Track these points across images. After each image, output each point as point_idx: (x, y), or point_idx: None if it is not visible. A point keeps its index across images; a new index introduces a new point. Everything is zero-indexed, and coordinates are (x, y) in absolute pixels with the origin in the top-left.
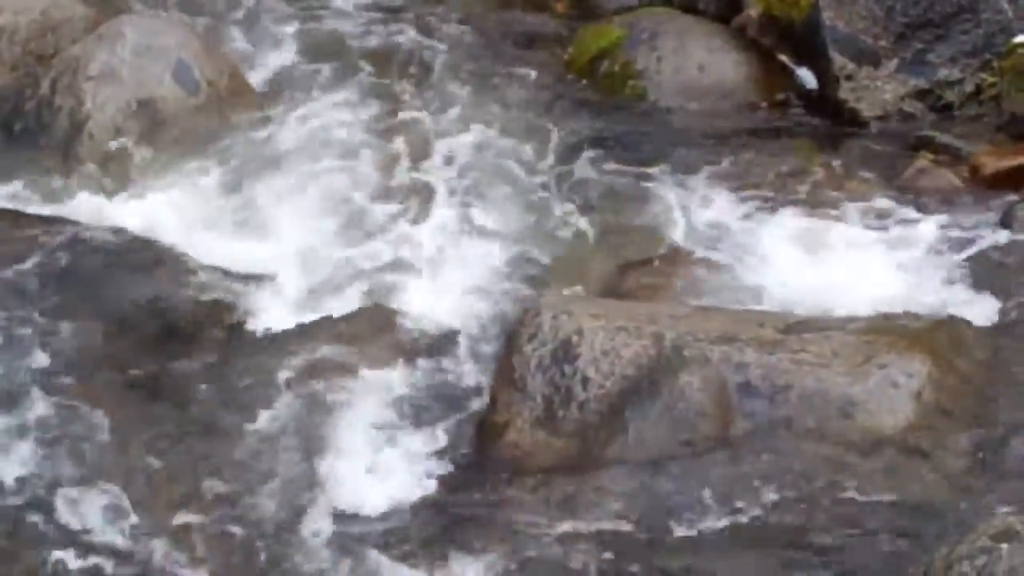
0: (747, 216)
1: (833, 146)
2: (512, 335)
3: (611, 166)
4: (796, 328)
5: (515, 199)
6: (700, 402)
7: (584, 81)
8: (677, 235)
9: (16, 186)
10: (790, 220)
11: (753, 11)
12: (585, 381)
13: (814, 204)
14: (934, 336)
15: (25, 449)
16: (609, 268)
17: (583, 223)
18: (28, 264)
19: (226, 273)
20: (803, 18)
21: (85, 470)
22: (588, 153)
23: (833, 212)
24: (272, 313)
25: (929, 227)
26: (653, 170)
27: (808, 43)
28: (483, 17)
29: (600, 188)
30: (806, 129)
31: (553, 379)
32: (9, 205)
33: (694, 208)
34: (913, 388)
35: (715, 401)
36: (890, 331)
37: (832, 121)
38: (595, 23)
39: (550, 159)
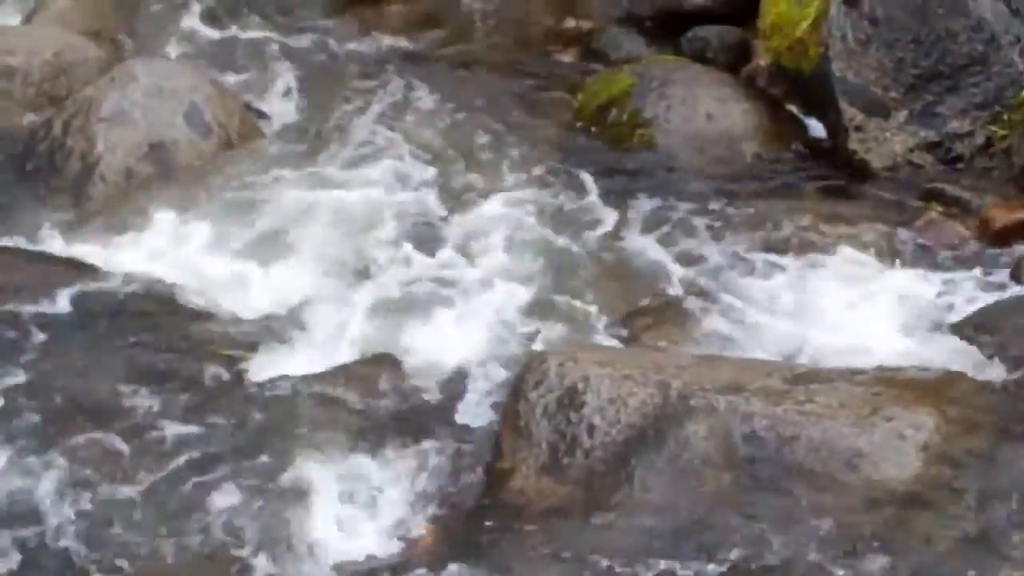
0: (755, 266)
1: (842, 197)
2: (518, 382)
3: (618, 214)
4: (803, 379)
5: (522, 246)
6: (706, 451)
7: (593, 129)
8: (685, 284)
9: (27, 226)
10: (797, 270)
11: (762, 61)
12: (591, 429)
13: (822, 255)
14: (941, 389)
15: (30, 501)
16: (616, 316)
17: (590, 270)
18: (36, 305)
19: (235, 318)
20: (813, 68)
21: (95, 520)
22: (595, 201)
23: (841, 263)
24: (281, 359)
25: (938, 279)
26: (661, 218)
27: (817, 93)
28: (492, 64)
29: (607, 235)
30: (815, 179)
31: (559, 426)
32: (19, 245)
33: (702, 257)
34: (920, 441)
35: (721, 451)
36: (897, 383)
37: (841, 172)
38: (604, 71)
39: (557, 207)
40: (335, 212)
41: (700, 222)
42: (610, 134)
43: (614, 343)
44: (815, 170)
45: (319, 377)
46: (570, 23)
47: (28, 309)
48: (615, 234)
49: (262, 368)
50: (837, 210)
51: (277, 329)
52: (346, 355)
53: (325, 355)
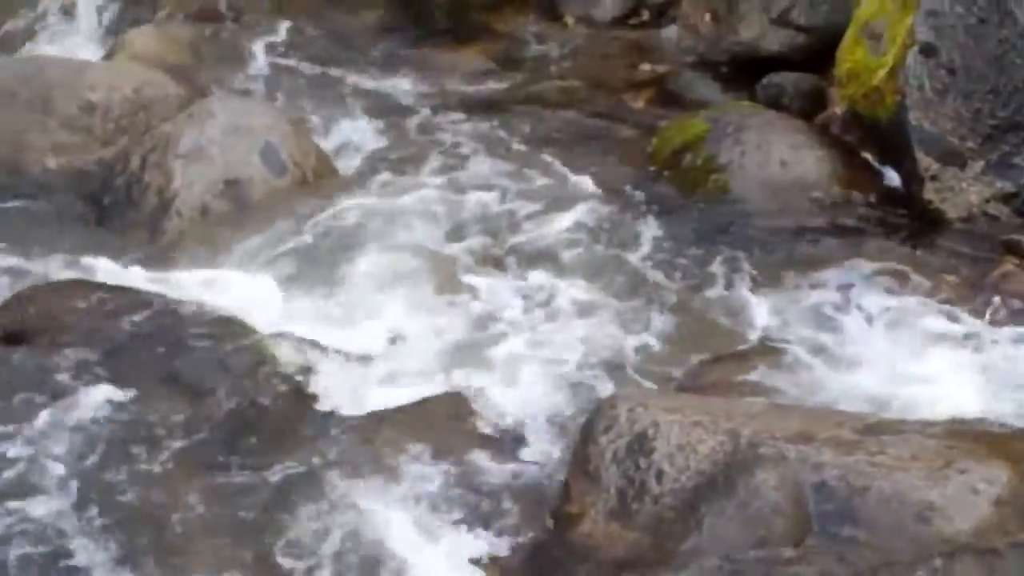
0: (826, 314)
1: (916, 247)
2: (588, 426)
3: (691, 260)
4: (874, 430)
5: (596, 290)
6: (775, 501)
7: (666, 173)
8: (756, 331)
9: (104, 260)
10: (870, 319)
11: (837, 108)
12: (660, 475)
13: (895, 304)
14: (1014, 443)
15: (97, 527)
16: (686, 362)
17: (662, 316)
18: (110, 337)
19: (305, 355)
20: (889, 117)
21: (159, 550)
22: (668, 245)
23: (914, 313)
24: (349, 396)
25: (1012, 332)
26: (734, 264)
27: (893, 142)
28: (566, 107)
29: (680, 281)
30: (889, 228)
31: (628, 472)
32: (96, 278)
33: (774, 304)
34: (993, 495)
35: (791, 500)
36: (970, 436)
37: (915, 221)
38: (679, 116)
39: (630, 251)
40: (407, 250)
41: (773, 269)
42: (684, 179)
43: (684, 389)
44: (889, 219)
45: (386, 413)
46: (644, 67)
47: (102, 341)
48: (687, 280)
49: (331, 403)
50: (911, 260)
51: (346, 365)
52: (415, 391)
53: (394, 391)
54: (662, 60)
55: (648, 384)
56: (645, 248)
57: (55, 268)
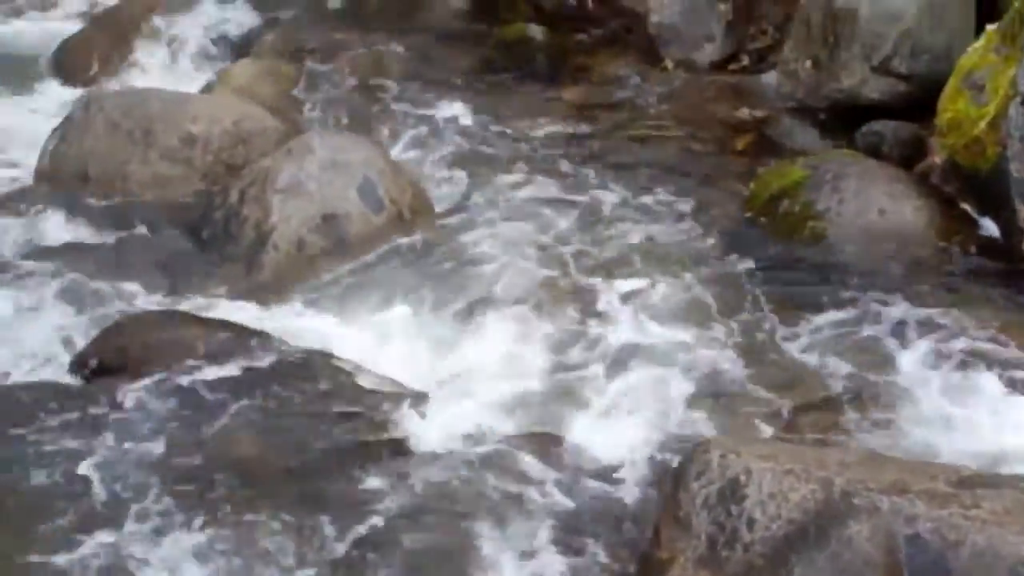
0: (922, 365)
1: (1014, 298)
2: (680, 471)
3: (787, 307)
4: (968, 483)
5: (688, 333)
6: (868, 552)
7: (763, 219)
8: (850, 381)
9: (201, 292)
10: (966, 371)
11: (937, 158)
12: (751, 523)
13: (991, 357)
14: None
15: (183, 556)
16: (780, 410)
17: (756, 362)
18: (206, 368)
19: (397, 391)
20: (989, 168)
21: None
22: (764, 292)
23: (1011, 366)
24: (440, 433)
25: None
26: (829, 312)
27: (993, 193)
28: (663, 150)
29: (775, 328)
30: (986, 279)
31: (718, 518)
32: (193, 309)
33: (869, 353)
34: None
35: (883, 552)
36: None
37: (1015, 273)
38: (777, 162)
39: (724, 295)
40: (502, 289)
41: (869, 318)
42: (781, 225)
43: (776, 436)
44: (988, 270)
45: (478, 452)
46: (743, 112)
47: (198, 372)
48: (782, 326)
49: (424, 438)
50: (1008, 311)
51: (440, 400)
52: (507, 430)
53: (486, 430)
54: (761, 105)
55: (740, 430)
56: (739, 293)
57: (152, 299)
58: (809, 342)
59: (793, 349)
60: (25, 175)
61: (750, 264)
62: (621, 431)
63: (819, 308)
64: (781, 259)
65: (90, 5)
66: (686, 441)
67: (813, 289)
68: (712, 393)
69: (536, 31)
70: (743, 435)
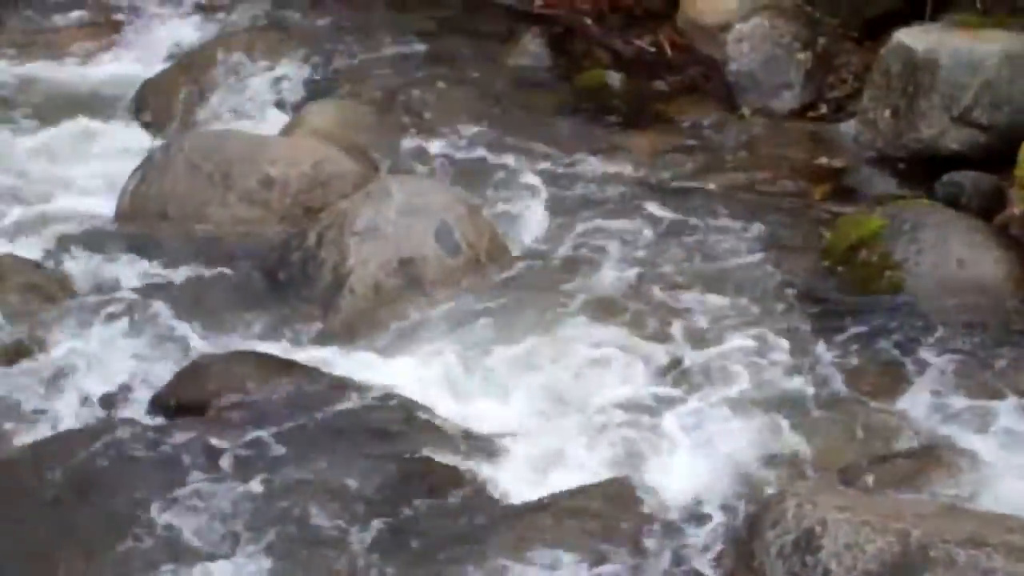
0: (1002, 417)
1: None
2: (754, 520)
3: (863, 357)
4: None
5: (762, 381)
6: None
7: (840, 268)
8: (928, 433)
9: (277, 333)
10: None
11: (1017, 209)
12: (826, 574)
13: None
14: None
15: None
16: (858, 459)
17: (832, 411)
18: (281, 413)
19: (470, 437)
20: None
21: None
22: (839, 340)
23: None
24: (512, 480)
25: None
26: (907, 363)
27: None
28: (740, 197)
29: (851, 377)
30: None
31: (793, 568)
32: (269, 351)
33: (947, 405)
34: None
35: None
36: None
37: None
38: (855, 211)
39: (799, 344)
40: (576, 336)
41: (947, 370)
42: (858, 275)
43: (851, 487)
44: None
45: (552, 499)
46: (821, 160)
47: (272, 415)
48: (859, 376)
49: (497, 487)
50: None
51: (514, 448)
52: (581, 475)
53: (560, 477)
54: (839, 154)
55: (816, 480)
56: (815, 342)
57: (229, 340)
58: (883, 392)
59: (870, 399)
60: (106, 214)
61: (827, 313)
62: (695, 477)
63: (896, 359)
64: (858, 309)
65: (173, 47)
66: (761, 490)
67: (890, 340)
68: (788, 442)
69: (614, 77)
70: (819, 485)
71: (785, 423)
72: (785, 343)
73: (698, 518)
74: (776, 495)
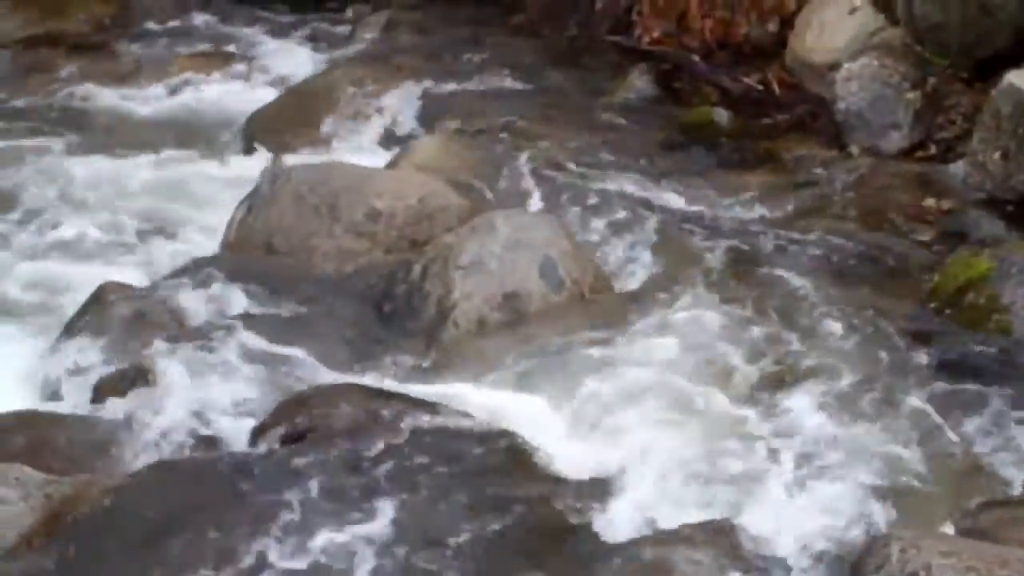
0: None
1: None
2: (858, 564)
3: (971, 401)
4: None
5: (865, 423)
6: None
7: (947, 311)
8: None
9: (381, 365)
10: None
11: None
12: None
13: None
14: None
15: None
16: (963, 505)
17: (934, 455)
18: (384, 445)
19: (573, 475)
20: None
21: None
22: (947, 385)
23: None
24: (614, 518)
25: None
26: (1014, 408)
27: None
28: (846, 237)
29: (958, 422)
30: None
31: None
32: (372, 383)
33: None
34: None
35: None
36: None
37: None
38: (963, 253)
39: (904, 386)
40: (676, 371)
41: None
42: (965, 317)
43: (959, 533)
44: None
45: (652, 539)
46: (929, 202)
47: (374, 448)
48: (966, 420)
49: (599, 525)
50: None
51: (613, 487)
52: (680, 518)
53: (663, 515)
54: (948, 195)
55: (920, 524)
56: (921, 384)
57: (333, 371)
58: (993, 437)
59: (976, 444)
60: (212, 244)
61: (933, 356)
62: (797, 520)
63: (1004, 403)
64: (965, 352)
65: (283, 77)
66: (864, 533)
67: (998, 384)
68: (892, 485)
69: (722, 115)
70: (924, 529)
71: (890, 466)
72: (890, 385)
73: (801, 561)
74: (880, 538)
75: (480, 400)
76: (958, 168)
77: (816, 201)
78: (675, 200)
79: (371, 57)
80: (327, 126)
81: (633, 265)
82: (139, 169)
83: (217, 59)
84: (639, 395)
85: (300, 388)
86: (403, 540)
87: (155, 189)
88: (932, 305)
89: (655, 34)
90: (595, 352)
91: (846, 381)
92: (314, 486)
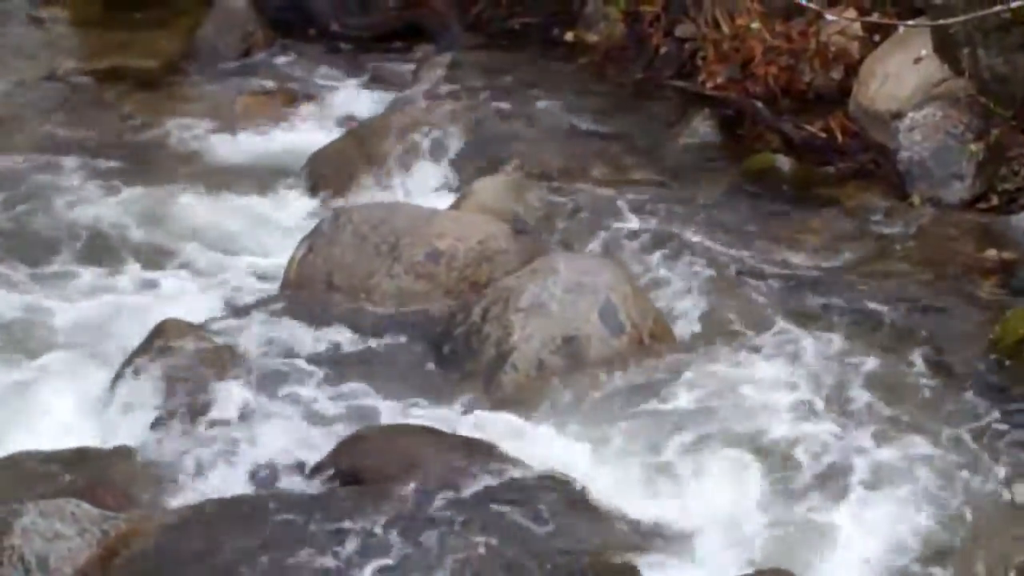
0: None
1: None
2: None
3: None
4: None
5: (934, 478)
6: None
7: (1009, 363)
8: None
9: (439, 406)
10: None
11: None
12: None
13: None
14: None
15: None
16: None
17: (1004, 509)
18: (443, 485)
19: (633, 525)
20: None
21: None
22: (1011, 435)
23: None
24: (674, 563)
25: None
26: None
27: None
28: (907, 289)
29: (1021, 473)
30: None
31: None
32: (430, 423)
33: None
34: None
35: None
36: None
37: None
38: None
39: (972, 439)
40: (740, 426)
41: None
42: None
43: None
44: None
45: None
46: (991, 252)
47: (432, 489)
48: None
49: (655, 572)
50: None
51: (671, 533)
52: (741, 566)
53: (720, 564)
54: (1009, 247)
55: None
56: (984, 435)
57: (392, 411)
58: None
59: None
60: (273, 283)
61: (995, 407)
62: (863, 573)
63: None
64: None
65: (346, 117)
66: None
67: None
68: (956, 540)
69: (784, 162)
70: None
71: (954, 520)
72: (952, 437)
73: None
74: None
75: (538, 443)
76: (1020, 220)
77: (877, 250)
78: (736, 247)
79: (435, 97)
80: (389, 166)
81: (693, 312)
82: (200, 207)
83: (281, 98)
84: (697, 446)
85: (358, 428)
86: None
87: (216, 227)
88: (993, 356)
89: (719, 80)
90: (654, 400)
91: (911, 433)
92: (369, 526)
